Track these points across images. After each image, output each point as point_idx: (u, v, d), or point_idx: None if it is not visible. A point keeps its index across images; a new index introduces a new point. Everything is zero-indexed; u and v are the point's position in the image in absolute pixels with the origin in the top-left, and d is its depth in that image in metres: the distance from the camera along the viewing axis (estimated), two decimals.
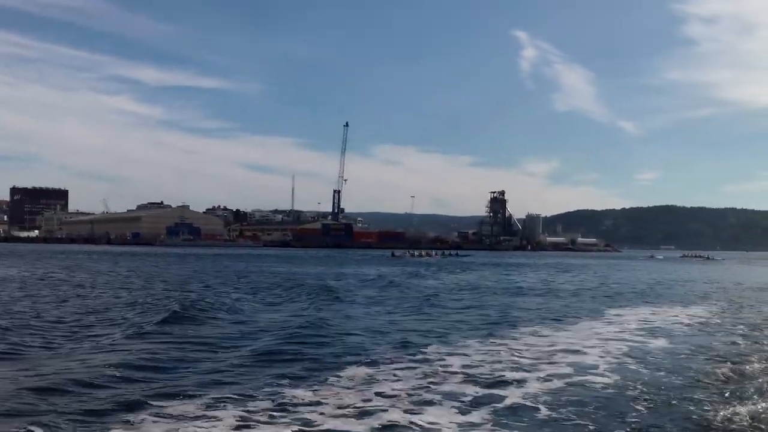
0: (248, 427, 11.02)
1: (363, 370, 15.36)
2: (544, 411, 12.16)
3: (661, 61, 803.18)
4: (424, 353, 17.77)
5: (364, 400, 12.72)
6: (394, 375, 14.87)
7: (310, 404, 12.40)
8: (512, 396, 13.15)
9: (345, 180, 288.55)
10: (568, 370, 15.72)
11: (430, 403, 12.61)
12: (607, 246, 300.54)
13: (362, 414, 11.87)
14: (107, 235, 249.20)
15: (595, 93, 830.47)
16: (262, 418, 11.49)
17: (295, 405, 12.30)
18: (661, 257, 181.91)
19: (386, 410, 12.09)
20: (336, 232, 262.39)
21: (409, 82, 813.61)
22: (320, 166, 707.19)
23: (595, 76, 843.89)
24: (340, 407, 12.23)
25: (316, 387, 13.75)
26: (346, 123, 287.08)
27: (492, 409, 12.24)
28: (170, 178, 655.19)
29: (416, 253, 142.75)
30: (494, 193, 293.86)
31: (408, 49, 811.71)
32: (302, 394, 13.05)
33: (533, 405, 12.54)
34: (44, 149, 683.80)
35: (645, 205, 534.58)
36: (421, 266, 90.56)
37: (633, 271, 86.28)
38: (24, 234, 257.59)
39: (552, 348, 19.03)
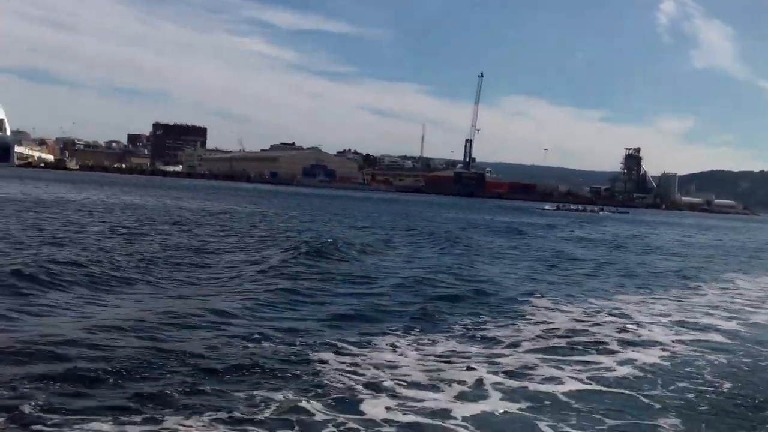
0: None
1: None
2: None
3: None
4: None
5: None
6: None
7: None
8: None
9: (478, 130, 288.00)
10: None
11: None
12: (744, 209, 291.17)
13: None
14: (246, 173, 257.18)
15: (735, 50, 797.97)
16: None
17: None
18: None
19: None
20: (468, 181, 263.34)
21: (542, 33, 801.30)
22: (447, 114, 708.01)
23: (736, 33, 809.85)
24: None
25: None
26: (481, 74, 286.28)
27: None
28: (300, 119, 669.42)
29: (574, 207, 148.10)
30: (629, 149, 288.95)
31: None
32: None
33: None
34: (178, 87, 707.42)
35: None
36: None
37: None
38: (170, 168, 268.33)
39: None
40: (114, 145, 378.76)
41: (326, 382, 10.93)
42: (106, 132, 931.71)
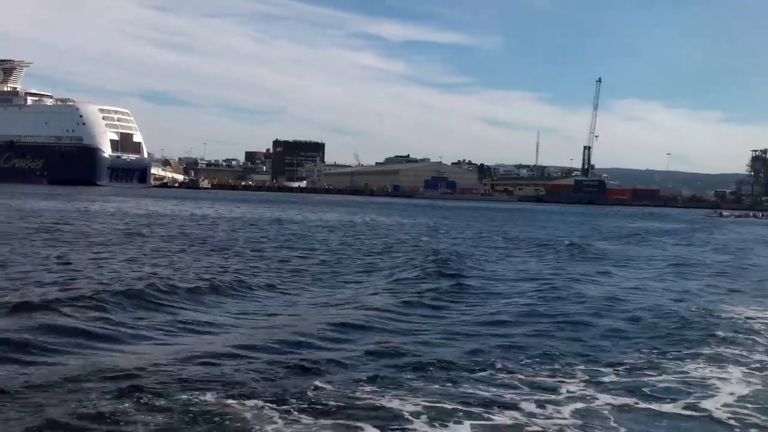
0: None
1: None
2: None
3: None
4: None
5: None
6: None
7: None
8: None
9: (596, 136, 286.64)
10: None
11: None
12: None
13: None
14: (369, 187, 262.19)
15: None
16: None
17: None
18: None
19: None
20: (589, 189, 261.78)
21: (656, 33, 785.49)
22: (560, 121, 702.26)
23: None
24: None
25: None
26: (599, 79, 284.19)
27: None
28: (413, 131, 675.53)
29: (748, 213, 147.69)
30: (755, 151, 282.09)
31: None
32: None
33: None
34: (292, 104, 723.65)
35: None
36: None
37: None
38: (295, 184, 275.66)
39: None
40: (234, 163, 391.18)
41: None
42: (224, 150, 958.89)
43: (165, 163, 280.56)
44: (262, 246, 34.79)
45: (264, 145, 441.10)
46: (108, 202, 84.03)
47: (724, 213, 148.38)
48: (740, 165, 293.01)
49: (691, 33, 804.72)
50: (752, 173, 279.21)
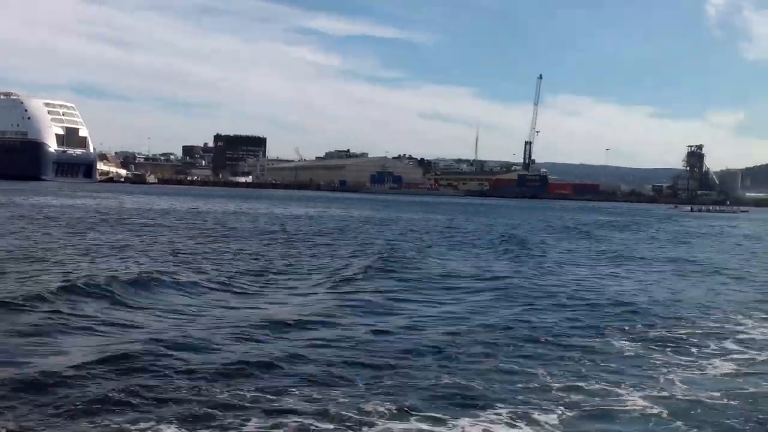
0: None
1: None
2: None
3: None
4: None
5: None
6: None
7: None
8: None
9: (537, 132, 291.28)
10: None
11: None
12: None
13: None
14: (315, 182, 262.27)
15: None
16: None
17: None
18: None
19: None
20: (532, 184, 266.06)
21: (588, 29, 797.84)
22: (498, 116, 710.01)
23: None
24: None
25: None
26: (540, 75, 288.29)
27: None
28: (352, 126, 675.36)
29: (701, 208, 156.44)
30: (691, 146, 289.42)
31: None
32: None
33: None
34: (230, 98, 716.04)
35: None
36: None
37: None
38: (242, 179, 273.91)
39: None
40: (172, 157, 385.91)
41: None
42: (159, 145, 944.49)
43: (102, 157, 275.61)
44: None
45: (201, 139, 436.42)
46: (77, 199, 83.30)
47: (694, 207, 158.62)
48: (676, 160, 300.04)
49: (624, 30, 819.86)
50: (688, 168, 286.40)
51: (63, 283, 17.76)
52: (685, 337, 15.26)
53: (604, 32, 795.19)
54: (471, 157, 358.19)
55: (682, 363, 12.91)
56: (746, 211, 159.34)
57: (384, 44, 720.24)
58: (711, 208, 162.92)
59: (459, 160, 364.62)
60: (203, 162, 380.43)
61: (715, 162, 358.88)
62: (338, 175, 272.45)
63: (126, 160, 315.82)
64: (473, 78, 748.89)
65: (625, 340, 14.59)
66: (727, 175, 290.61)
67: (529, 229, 58.21)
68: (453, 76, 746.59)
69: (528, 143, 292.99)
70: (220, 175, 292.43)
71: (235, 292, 19.24)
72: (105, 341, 12.95)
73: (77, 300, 16.24)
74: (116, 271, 21.15)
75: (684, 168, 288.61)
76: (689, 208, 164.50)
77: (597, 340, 14.59)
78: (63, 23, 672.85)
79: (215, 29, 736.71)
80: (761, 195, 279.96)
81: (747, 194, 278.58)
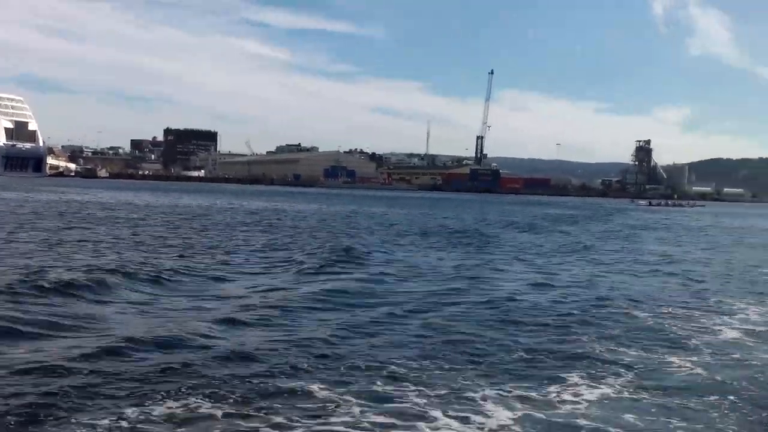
0: None
1: None
2: None
3: None
4: None
5: None
6: None
7: None
8: None
9: (489, 126, 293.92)
10: None
11: None
12: (753, 197, 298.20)
13: None
14: (268, 176, 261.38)
15: (731, 37, 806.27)
16: None
17: None
18: None
19: None
20: (484, 178, 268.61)
21: (538, 26, 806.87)
22: (449, 111, 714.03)
23: (732, 19, 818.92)
24: None
25: None
26: (491, 71, 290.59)
27: None
28: (302, 120, 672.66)
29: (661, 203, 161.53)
30: (640, 141, 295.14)
31: None
32: None
33: None
34: (178, 92, 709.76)
35: None
36: None
37: None
38: (194, 174, 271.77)
39: None
40: (120, 151, 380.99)
41: None
42: (107, 138, 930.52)
43: (48, 151, 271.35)
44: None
45: (149, 133, 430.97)
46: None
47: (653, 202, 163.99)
48: (625, 155, 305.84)
49: (573, 26, 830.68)
50: (636, 163, 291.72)
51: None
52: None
53: (554, 29, 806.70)
54: (422, 151, 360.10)
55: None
56: (703, 206, 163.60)
57: (335, 38, 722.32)
58: (670, 202, 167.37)
59: (411, 155, 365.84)
60: (152, 156, 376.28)
61: (662, 157, 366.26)
62: (291, 170, 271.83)
63: (74, 154, 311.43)
64: (425, 73, 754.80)
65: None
66: (674, 170, 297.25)
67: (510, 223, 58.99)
68: (404, 71, 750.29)
69: (480, 138, 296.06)
70: (172, 170, 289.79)
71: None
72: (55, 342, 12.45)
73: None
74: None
75: (632, 163, 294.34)
76: (647, 202, 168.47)
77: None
78: (8, 15, 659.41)
79: (164, 21, 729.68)
80: (706, 189, 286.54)
81: (693, 188, 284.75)
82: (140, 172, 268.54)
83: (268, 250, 29.41)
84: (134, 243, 30.07)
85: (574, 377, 11.29)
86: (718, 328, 15.87)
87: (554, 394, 10.42)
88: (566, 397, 10.36)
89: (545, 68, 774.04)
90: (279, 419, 8.97)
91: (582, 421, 9.37)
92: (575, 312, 16.91)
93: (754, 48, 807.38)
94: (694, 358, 12.83)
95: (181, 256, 25.50)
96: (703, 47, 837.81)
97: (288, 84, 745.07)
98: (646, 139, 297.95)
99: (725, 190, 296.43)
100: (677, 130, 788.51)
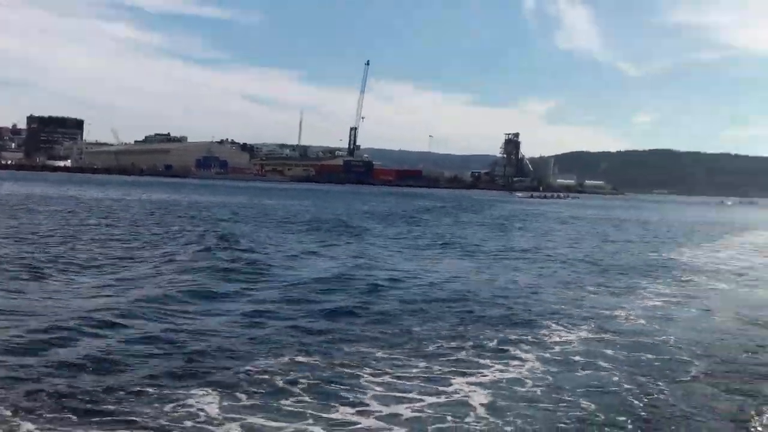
0: None
1: None
2: None
3: (666, 2, 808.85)
4: None
5: None
6: None
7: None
8: None
9: (363, 118, 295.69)
10: None
11: None
12: (613, 189, 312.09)
13: None
14: (137, 166, 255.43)
15: (596, 32, 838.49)
16: None
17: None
18: (730, 203, 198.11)
19: None
20: (357, 169, 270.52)
21: (408, 16, 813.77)
22: (322, 101, 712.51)
23: (598, 14, 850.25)
24: None
25: None
26: (367, 62, 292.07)
27: None
28: (172, 108, 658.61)
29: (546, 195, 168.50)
30: (508, 134, 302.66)
31: None
32: None
33: None
34: (43, 77, 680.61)
35: (641, 148, 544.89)
36: None
37: None
38: (61, 164, 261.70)
39: None
40: None
41: None
42: None
43: None
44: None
45: (9, 120, 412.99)
46: None
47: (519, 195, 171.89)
48: (495, 147, 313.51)
49: (440, 17, 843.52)
50: (505, 155, 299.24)
51: None
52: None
53: (428, 21, 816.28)
54: (295, 142, 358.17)
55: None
56: (577, 197, 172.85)
57: (210, 24, 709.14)
58: (547, 195, 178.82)
59: (282, 146, 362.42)
60: (13, 144, 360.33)
61: (530, 149, 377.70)
62: (162, 160, 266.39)
63: None
64: (299, 62, 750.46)
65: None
66: (541, 162, 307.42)
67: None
68: (279, 59, 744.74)
69: (353, 129, 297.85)
70: (37, 159, 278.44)
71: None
72: None
73: None
74: None
75: (501, 155, 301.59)
76: (529, 195, 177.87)
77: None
78: None
79: (26, 2, 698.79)
80: (570, 182, 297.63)
81: (558, 181, 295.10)
82: (1, 161, 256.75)
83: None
84: None
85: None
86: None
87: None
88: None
89: (418, 60, 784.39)
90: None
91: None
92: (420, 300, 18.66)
93: (616, 43, 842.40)
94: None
95: None
96: (571, 41, 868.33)
97: (159, 71, 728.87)
98: (515, 132, 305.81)
99: (587, 182, 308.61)
100: (543, 122, 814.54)
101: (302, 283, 20.63)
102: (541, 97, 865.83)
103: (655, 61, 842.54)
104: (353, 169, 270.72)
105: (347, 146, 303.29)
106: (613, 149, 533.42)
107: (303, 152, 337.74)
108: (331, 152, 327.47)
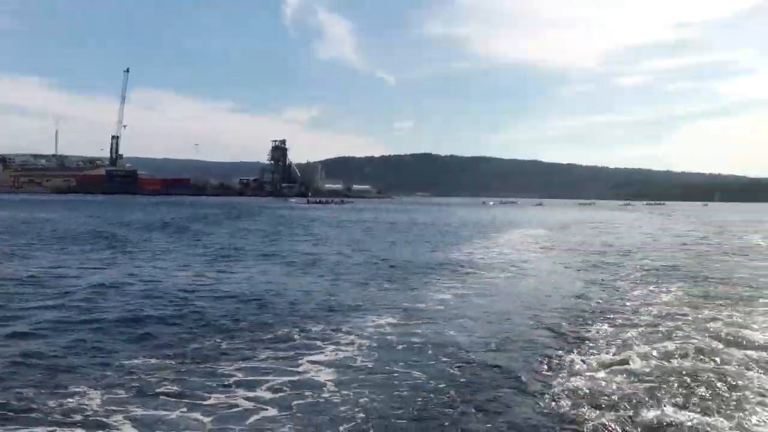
0: None
1: None
2: None
3: (422, 15, 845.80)
4: None
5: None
6: None
7: None
8: None
9: (125, 126, 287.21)
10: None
11: None
12: (379, 193, 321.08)
13: None
14: None
15: (356, 43, 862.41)
16: None
17: None
18: (492, 203, 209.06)
19: None
20: (121, 179, 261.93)
21: (167, 22, 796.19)
22: (79, 109, 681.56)
23: (358, 26, 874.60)
24: None
25: None
26: (127, 69, 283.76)
27: None
28: None
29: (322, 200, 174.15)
30: (276, 141, 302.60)
31: None
32: None
33: None
34: None
35: (403, 153, 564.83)
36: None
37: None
38: None
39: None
40: None
41: None
42: None
43: None
44: None
45: None
46: None
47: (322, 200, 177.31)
48: (262, 154, 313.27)
49: (201, 25, 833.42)
50: (273, 162, 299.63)
51: None
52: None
53: (189, 29, 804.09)
54: (51, 152, 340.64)
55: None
56: (351, 202, 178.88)
57: None
58: (332, 200, 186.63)
59: (37, 156, 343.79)
60: None
61: (297, 155, 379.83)
62: None
63: None
64: (51, 68, 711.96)
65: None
66: (308, 168, 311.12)
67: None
68: (28, 66, 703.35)
69: (115, 138, 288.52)
70: None
71: None
72: None
73: None
74: None
75: (269, 162, 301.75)
76: (305, 201, 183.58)
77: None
78: None
79: None
80: (337, 186, 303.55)
81: (326, 186, 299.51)
82: None
83: None
84: None
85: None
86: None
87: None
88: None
89: (180, 68, 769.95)
90: None
91: None
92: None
93: (372, 53, 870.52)
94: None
95: None
96: (330, 50, 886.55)
97: None
98: (282, 138, 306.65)
99: (354, 187, 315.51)
100: (306, 129, 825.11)
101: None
102: (305, 105, 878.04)
103: (414, 71, 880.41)
104: (117, 178, 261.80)
105: (109, 155, 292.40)
106: (377, 154, 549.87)
107: (61, 162, 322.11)
108: (91, 162, 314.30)
